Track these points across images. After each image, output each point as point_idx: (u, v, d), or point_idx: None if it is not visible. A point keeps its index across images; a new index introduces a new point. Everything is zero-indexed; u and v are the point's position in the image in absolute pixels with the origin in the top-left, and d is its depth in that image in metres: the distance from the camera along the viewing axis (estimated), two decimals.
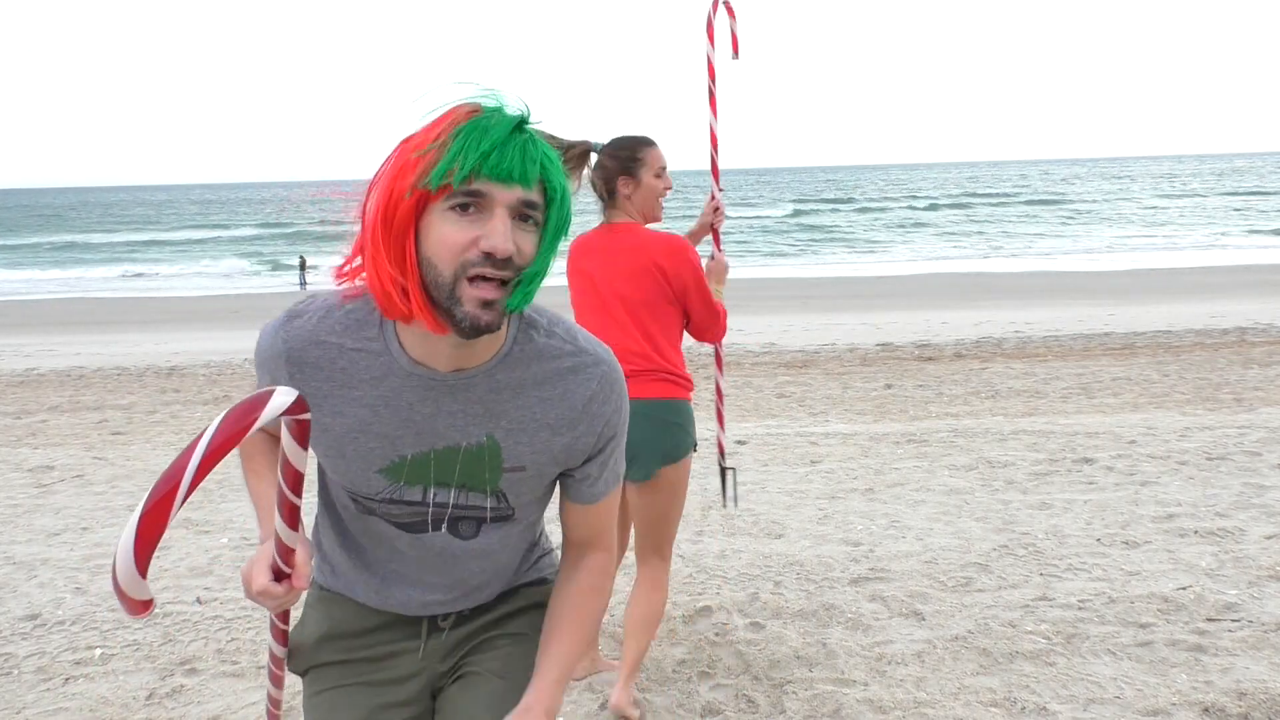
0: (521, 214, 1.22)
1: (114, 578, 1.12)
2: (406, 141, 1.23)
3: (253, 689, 3.21)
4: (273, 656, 1.60)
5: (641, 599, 2.95)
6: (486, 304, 1.21)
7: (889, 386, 8.57)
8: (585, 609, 1.51)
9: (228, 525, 4.95)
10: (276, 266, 34.02)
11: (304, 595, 1.53)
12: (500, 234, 1.19)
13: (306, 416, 1.19)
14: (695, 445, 2.92)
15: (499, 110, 1.22)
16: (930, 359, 10.12)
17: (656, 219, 2.95)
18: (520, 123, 1.22)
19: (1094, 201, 57.74)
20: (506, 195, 1.20)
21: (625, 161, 2.86)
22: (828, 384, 8.83)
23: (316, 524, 1.63)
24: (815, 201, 64.36)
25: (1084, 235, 37.67)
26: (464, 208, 1.20)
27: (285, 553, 1.31)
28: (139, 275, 32.79)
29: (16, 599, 4.01)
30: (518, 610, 1.63)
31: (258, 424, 1.11)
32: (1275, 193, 58.43)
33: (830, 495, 5.20)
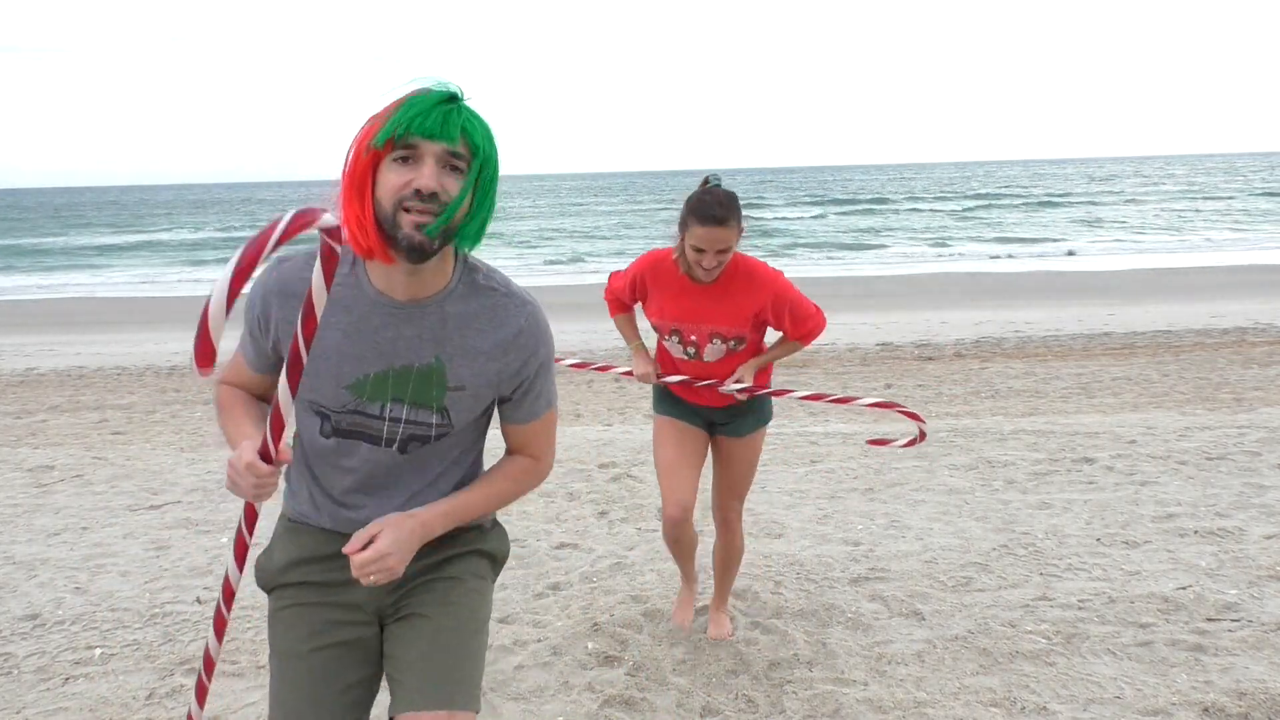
0: (449, 163, 1.59)
1: (203, 320, 1.34)
2: (371, 118, 1.61)
3: (253, 689, 3.21)
4: (225, 589, 1.90)
5: (722, 542, 3.50)
6: (418, 226, 1.57)
7: (889, 386, 8.57)
8: (497, 484, 1.85)
9: (227, 525, 4.95)
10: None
11: (274, 527, 1.92)
12: (427, 175, 1.56)
13: (337, 248, 1.46)
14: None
15: (434, 89, 1.60)
16: (930, 359, 10.12)
17: (697, 278, 3.10)
18: (450, 97, 1.59)
19: (1093, 203, 57.73)
20: (433, 148, 1.57)
21: (681, 217, 3.01)
22: (827, 384, 8.83)
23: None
24: (811, 204, 64.35)
25: (1081, 235, 37.66)
26: (404, 160, 1.58)
27: (268, 445, 1.58)
28: (141, 278, 32.80)
29: (16, 599, 4.01)
30: (455, 556, 1.88)
31: (318, 224, 1.38)
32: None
33: (830, 495, 5.19)
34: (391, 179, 1.57)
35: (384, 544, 1.64)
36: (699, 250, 2.95)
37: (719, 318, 3.13)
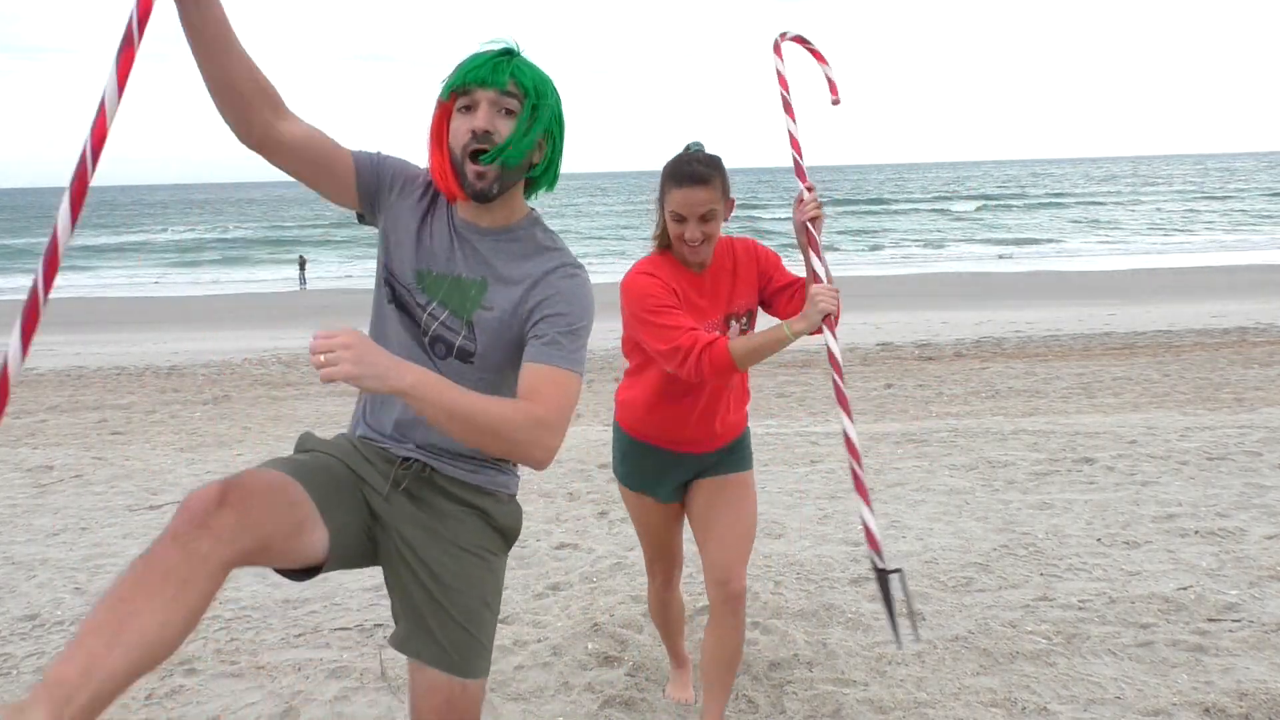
0: (502, 106, 1.79)
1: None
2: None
3: (252, 689, 3.20)
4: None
5: (719, 632, 2.68)
6: (480, 175, 1.81)
7: (889, 386, 8.56)
8: (492, 401, 1.74)
9: None
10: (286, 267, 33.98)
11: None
12: (481, 117, 1.79)
13: None
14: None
15: (490, 46, 1.82)
16: (930, 359, 10.11)
17: (688, 262, 2.58)
18: (504, 51, 1.81)
19: (1093, 203, 57.69)
20: (486, 94, 1.79)
21: (659, 190, 2.56)
22: (828, 384, 8.82)
23: None
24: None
25: (1081, 235, 37.64)
26: (466, 110, 1.81)
27: None
28: (143, 278, 32.78)
29: (15, 599, 4.00)
30: (462, 514, 1.93)
31: None
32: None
33: (830, 495, 5.19)
34: (457, 127, 1.82)
35: (345, 337, 1.57)
36: (679, 219, 2.48)
37: (734, 295, 2.66)
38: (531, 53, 1.87)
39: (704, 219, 2.48)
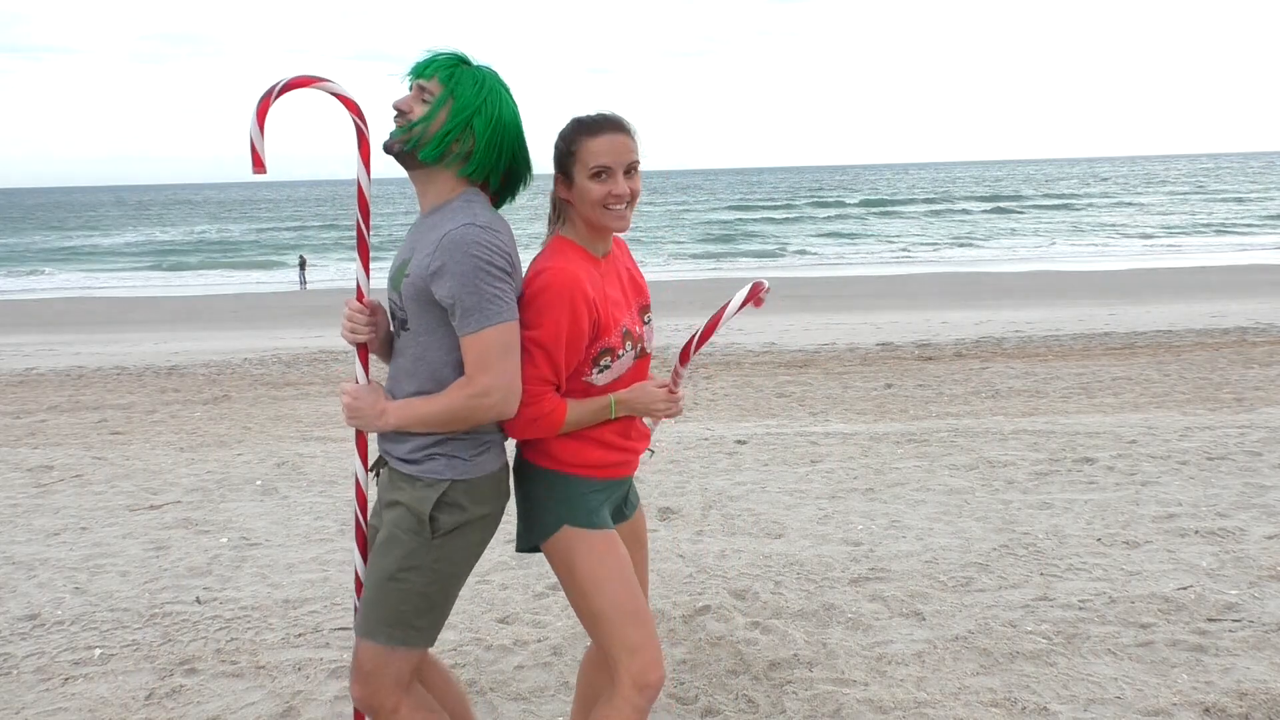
0: (424, 94, 2.10)
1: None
2: None
3: (252, 689, 3.21)
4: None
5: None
6: (390, 135, 2.13)
7: (889, 386, 8.56)
8: (439, 397, 2.07)
9: (227, 525, 4.95)
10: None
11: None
12: (402, 98, 2.13)
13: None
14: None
15: (451, 50, 2.14)
16: (930, 359, 10.11)
17: (603, 229, 2.20)
18: (453, 56, 2.12)
19: (1094, 203, 57.68)
20: (416, 81, 2.12)
21: (561, 157, 2.19)
22: (828, 384, 8.83)
23: None
24: (807, 204, 64.29)
25: (1081, 235, 37.64)
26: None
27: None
28: (141, 278, 32.77)
29: (16, 599, 4.01)
30: (396, 498, 2.15)
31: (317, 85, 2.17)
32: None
33: (830, 495, 5.19)
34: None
35: (345, 397, 2.18)
36: (603, 172, 2.12)
37: (638, 284, 2.33)
38: (506, 67, 2.14)
39: (630, 172, 2.16)
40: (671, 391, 2.25)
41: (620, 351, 2.20)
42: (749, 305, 2.22)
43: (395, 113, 2.12)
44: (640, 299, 2.31)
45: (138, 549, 4.59)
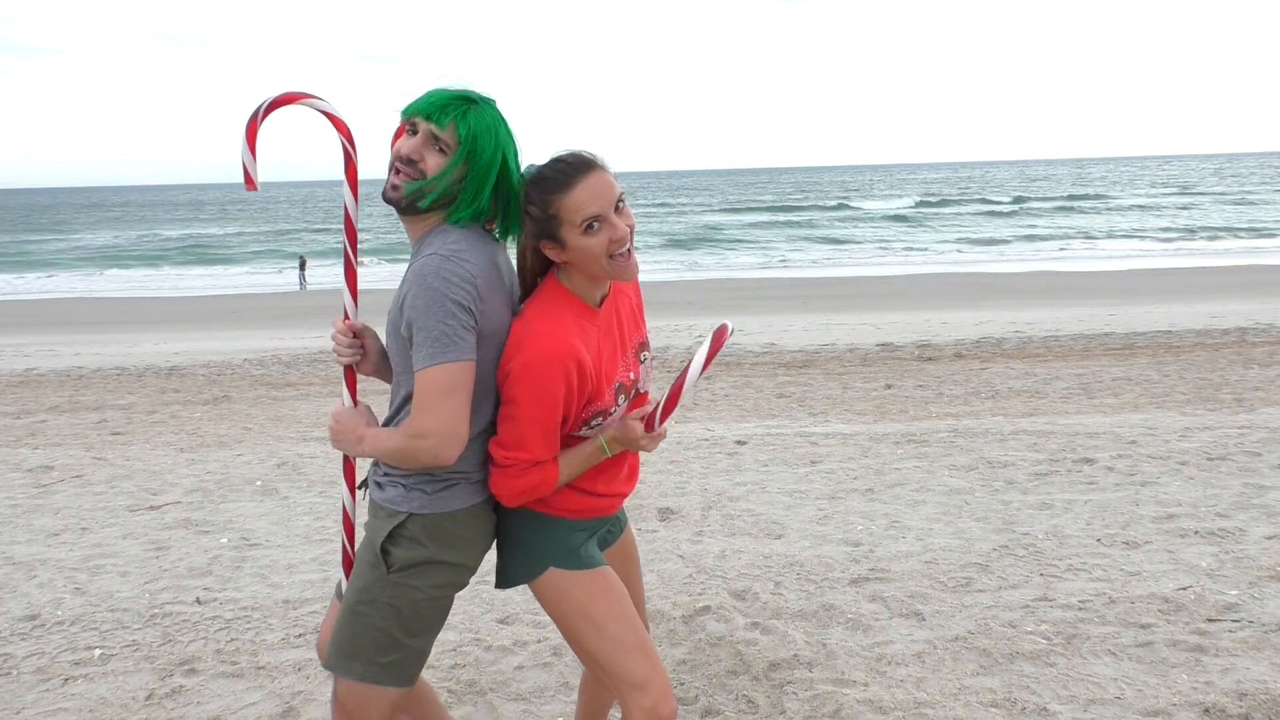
0: (437, 143, 1.96)
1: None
2: None
3: (252, 689, 3.21)
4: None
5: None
6: (394, 187, 1.99)
7: (889, 386, 8.56)
8: (392, 434, 1.99)
9: (228, 525, 4.95)
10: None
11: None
12: (410, 145, 1.97)
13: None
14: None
15: (455, 87, 2.00)
16: (930, 359, 10.11)
17: (612, 279, 2.05)
18: (462, 96, 1.97)
19: (1094, 204, 57.70)
20: (424, 126, 1.96)
21: (541, 224, 1.99)
22: (828, 384, 8.83)
23: None
24: (804, 206, 64.33)
25: (1081, 235, 37.65)
26: (411, 132, 1.99)
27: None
28: (142, 276, 32.77)
29: (16, 599, 4.01)
30: (366, 526, 2.11)
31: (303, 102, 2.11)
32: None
33: (830, 495, 5.19)
34: (399, 145, 1.99)
35: (330, 421, 2.13)
36: (595, 222, 1.95)
37: (636, 320, 2.23)
38: (504, 100, 2.02)
39: (621, 210, 1.99)
40: (650, 428, 2.09)
41: (613, 409, 2.10)
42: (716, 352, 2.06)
43: (401, 160, 1.96)
44: (638, 336, 2.19)
45: (138, 549, 4.60)
